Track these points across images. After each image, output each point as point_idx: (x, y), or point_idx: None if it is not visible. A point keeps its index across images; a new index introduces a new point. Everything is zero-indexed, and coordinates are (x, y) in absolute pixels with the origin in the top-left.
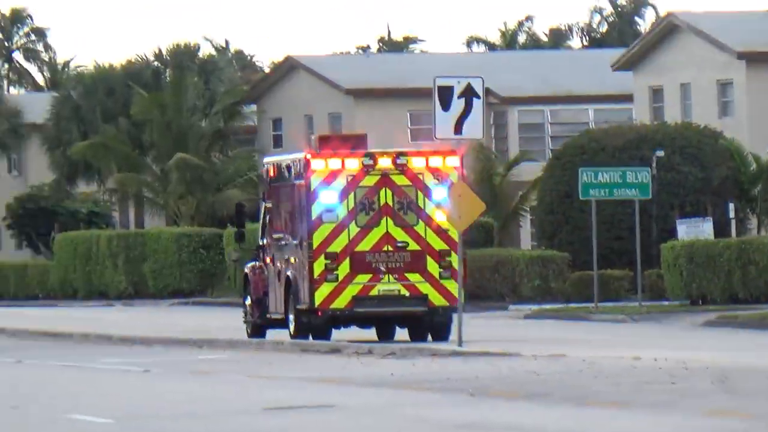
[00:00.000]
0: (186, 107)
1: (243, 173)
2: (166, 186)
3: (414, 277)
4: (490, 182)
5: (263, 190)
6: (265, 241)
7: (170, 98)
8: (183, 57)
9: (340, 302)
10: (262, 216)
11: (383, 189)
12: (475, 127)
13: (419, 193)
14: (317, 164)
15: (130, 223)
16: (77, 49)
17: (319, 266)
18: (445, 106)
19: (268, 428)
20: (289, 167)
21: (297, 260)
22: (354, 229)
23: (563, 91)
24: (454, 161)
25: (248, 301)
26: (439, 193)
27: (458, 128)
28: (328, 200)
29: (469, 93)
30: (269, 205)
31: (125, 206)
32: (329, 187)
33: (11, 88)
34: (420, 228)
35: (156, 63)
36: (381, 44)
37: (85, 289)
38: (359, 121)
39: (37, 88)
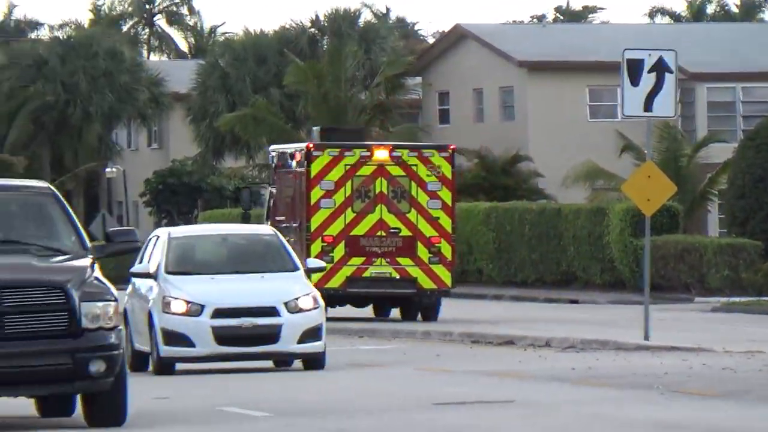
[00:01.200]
0: (345, 78)
1: None
2: None
3: (405, 261)
4: (676, 164)
5: (269, 176)
6: (269, 223)
7: (327, 68)
8: (342, 23)
9: (335, 282)
10: (267, 200)
11: (379, 178)
12: (666, 104)
13: (413, 183)
14: (317, 154)
15: None
16: (225, 14)
17: (315, 248)
18: (635, 80)
19: (445, 425)
20: (292, 155)
21: (296, 241)
22: (350, 215)
23: (757, 67)
24: (446, 154)
25: None
26: (432, 183)
27: (648, 105)
28: (327, 187)
29: (660, 67)
30: (274, 190)
31: None
32: (328, 175)
33: (152, 55)
34: (412, 216)
35: (312, 30)
36: (558, 13)
37: None
38: (532, 96)
39: (181, 55)
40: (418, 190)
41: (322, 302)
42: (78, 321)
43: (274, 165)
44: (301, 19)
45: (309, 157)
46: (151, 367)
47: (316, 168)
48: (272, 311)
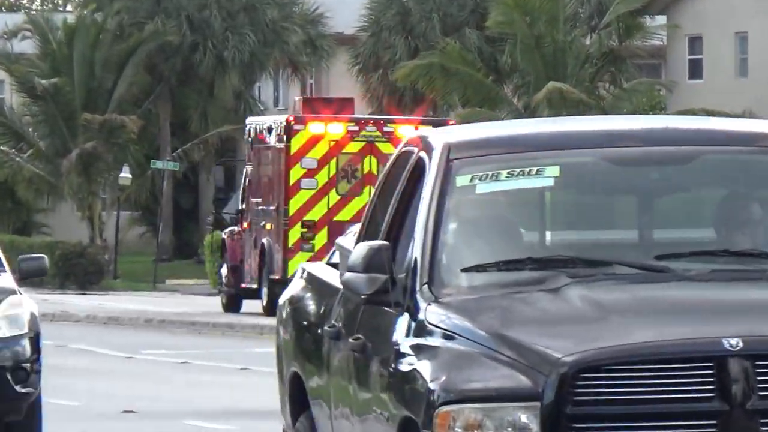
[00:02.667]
0: (563, 17)
1: (644, 111)
2: None
3: None
4: None
5: (246, 152)
6: (243, 206)
7: (542, 5)
8: None
9: None
10: (243, 179)
11: (368, 156)
12: None
13: None
14: (298, 127)
15: None
16: None
17: (294, 235)
18: None
19: None
20: (270, 129)
21: (273, 227)
22: (334, 198)
23: None
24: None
25: (224, 269)
26: None
27: None
28: (309, 166)
29: None
30: (250, 168)
31: None
32: (310, 152)
33: None
34: None
35: None
36: None
37: None
38: None
39: None
40: None
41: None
42: None
43: (250, 140)
44: None
45: (289, 131)
46: None
47: (296, 144)
48: None
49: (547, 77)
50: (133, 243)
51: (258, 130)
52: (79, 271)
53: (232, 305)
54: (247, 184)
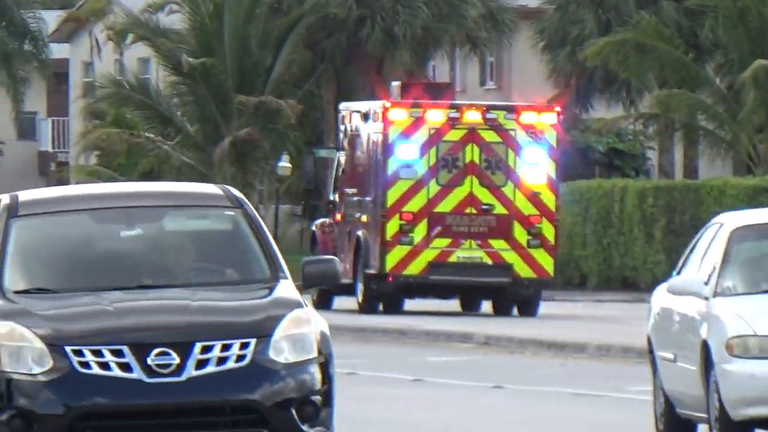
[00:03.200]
0: None
1: None
2: (735, 112)
3: (498, 244)
4: None
5: (339, 139)
6: (336, 195)
7: None
8: None
9: (414, 268)
10: (335, 167)
11: (469, 145)
12: None
13: (510, 151)
14: (396, 114)
15: (675, 170)
16: None
17: (392, 227)
18: None
19: None
20: (366, 115)
21: (369, 219)
22: (434, 188)
23: None
24: (550, 118)
25: None
26: (533, 152)
27: None
28: (407, 154)
29: None
30: (343, 156)
31: (669, 143)
32: (409, 140)
33: None
34: (508, 190)
35: None
36: None
37: (598, 273)
38: None
39: None
40: (516, 160)
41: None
42: None
43: (344, 127)
44: None
45: (386, 118)
46: None
47: (394, 131)
48: None
49: (752, 54)
50: (293, 240)
51: (353, 116)
52: None
53: (323, 302)
54: (340, 173)
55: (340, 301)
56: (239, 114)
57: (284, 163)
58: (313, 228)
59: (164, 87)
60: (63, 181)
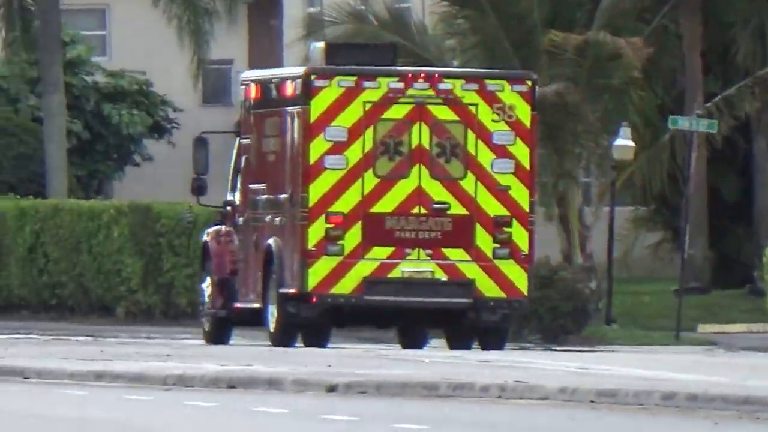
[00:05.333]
0: None
1: None
2: None
3: (456, 254)
4: None
5: (238, 121)
6: (236, 195)
7: None
8: None
9: (345, 286)
10: (234, 158)
11: (417, 124)
12: None
13: (470, 132)
14: (321, 84)
15: None
16: None
17: (316, 232)
18: None
19: None
20: (279, 87)
21: (284, 223)
22: (371, 181)
23: None
24: (522, 88)
25: (207, 284)
26: (501, 134)
27: None
28: (335, 137)
29: None
30: (247, 141)
31: None
32: (337, 119)
33: None
34: (468, 183)
35: None
36: None
37: None
38: None
39: None
40: (479, 144)
41: None
42: None
43: (247, 103)
44: None
45: (308, 90)
46: None
47: (319, 107)
48: None
49: None
50: (640, 260)
51: (259, 88)
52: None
53: (218, 334)
54: (241, 164)
55: (242, 334)
56: (550, 60)
57: (624, 141)
58: (204, 237)
59: (433, 23)
60: None
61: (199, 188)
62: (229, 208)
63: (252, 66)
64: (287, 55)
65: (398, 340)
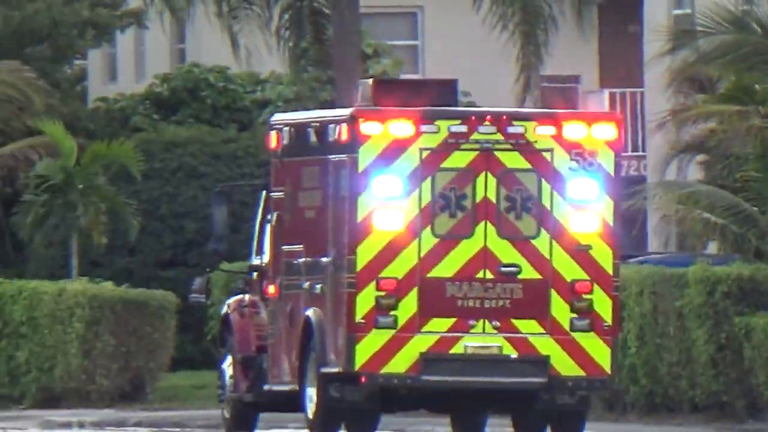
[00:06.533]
0: None
1: None
2: None
3: (528, 327)
4: None
5: (267, 171)
6: (265, 259)
7: None
8: None
9: (399, 364)
10: (260, 214)
11: (483, 174)
12: None
13: (544, 183)
14: (371, 128)
15: None
16: None
17: (365, 301)
18: None
19: None
20: (320, 132)
21: (326, 291)
22: (429, 241)
23: None
24: (607, 132)
25: (228, 363)
26: (581, 185)
27: None
28: (387, 191)
29: None
30: (278, 195)
31: None
32: (390, 168)
33: None
34: (542, 243)
35: None
36: None
37: None
38: None
39: None
40: (554, 196)
41: None
42: None
43: (279, 149)
44: None
45: (356, 135)
46: None
47: (368, 154)
48: None
49: None
50: None
51: (295, 132)
52: None
53: (240, 423)
54: (274, 221)
55: (274, 420)
56: None
57: None
58: (225, 309)
59: None
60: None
61: (220, 252)
62: (255, 274)
63: (604, 85)
64: (647, 74)
65: (452, 428)
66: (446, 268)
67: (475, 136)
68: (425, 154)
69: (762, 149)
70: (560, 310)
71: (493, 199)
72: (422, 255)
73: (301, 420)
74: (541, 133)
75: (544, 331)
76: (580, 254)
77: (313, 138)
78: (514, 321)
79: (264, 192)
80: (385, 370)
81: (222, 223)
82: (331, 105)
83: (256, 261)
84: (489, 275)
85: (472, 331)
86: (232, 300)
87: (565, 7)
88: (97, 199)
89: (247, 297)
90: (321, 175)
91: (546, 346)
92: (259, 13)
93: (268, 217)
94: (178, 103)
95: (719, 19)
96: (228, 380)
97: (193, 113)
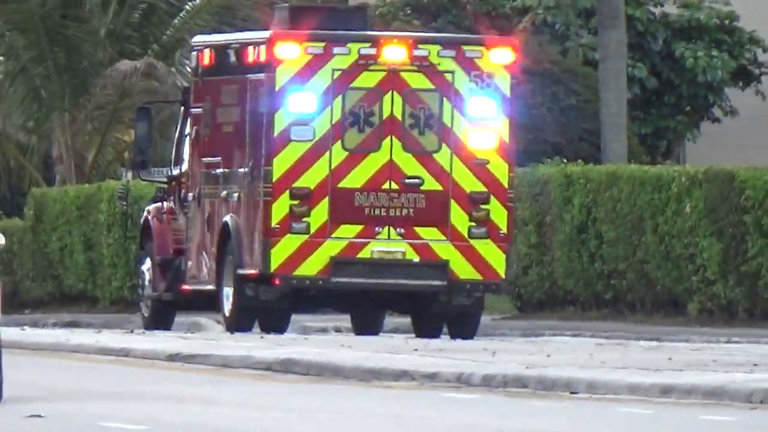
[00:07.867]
0: None
1: None
2: None
3: (429, 233)
4: None
5: (188, 88)
6: (183, 169)
7: None
8: None
9: (311, 267)
10: (178, 128)
11: (389, 94)
12: None
13: (446, 102)
14: (287, 50)
15: None
16: None
17: (280, 209)
18: None
19: None
20: (239, 52)
21: (243, 199)
22: (339, 154)
23: None
24: (504, 56)
25: (146, 265)
26: (480, 103)
27: None
28: (301, 107)
29: None
30: (198, 111)
31: None
32: (304, 87)
33: None
34: (443, 157)
35: None
36: None
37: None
38: None
39: None
40: (455, 114)
41: None
42: None
43: (199, 69)
44: None
45: (272, 56)
46: None
47: (284, 74)
48: None
49: None
50: None
51: (215, 53)
52: None
53: (159, 320)
54: (193, 135)
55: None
56: None
57: None
58: (146, 215)
59: None
60: None
61: (141, 163)
62: (173, 183)
63: None
64: None
65: (353, 325)
66: (355, 179)
67: (383, 59)
68: (337, 74)
69: None
70: (459, 219)
71: (399, 117)
72: (333, 167)
73: (214, 319)
74: (443, 56)
75: (445, 238)
76: (478, 168)
77: (232, 58)
78: (416, 228)
79: (182, 108)
80: (298, 272)
81: (144, 137)
82: (592, 13)
83: (175, 171)
84: (394, 186)
85: (378, 237)
86: (151, 206)
87: None
88: None
89: (165, 204)
90: (239, 92)
91: (446, 251)
92: None
93: (187, 131)
94: (439, 9)
95: None
96: (145, 280)
97: (453, 20)
